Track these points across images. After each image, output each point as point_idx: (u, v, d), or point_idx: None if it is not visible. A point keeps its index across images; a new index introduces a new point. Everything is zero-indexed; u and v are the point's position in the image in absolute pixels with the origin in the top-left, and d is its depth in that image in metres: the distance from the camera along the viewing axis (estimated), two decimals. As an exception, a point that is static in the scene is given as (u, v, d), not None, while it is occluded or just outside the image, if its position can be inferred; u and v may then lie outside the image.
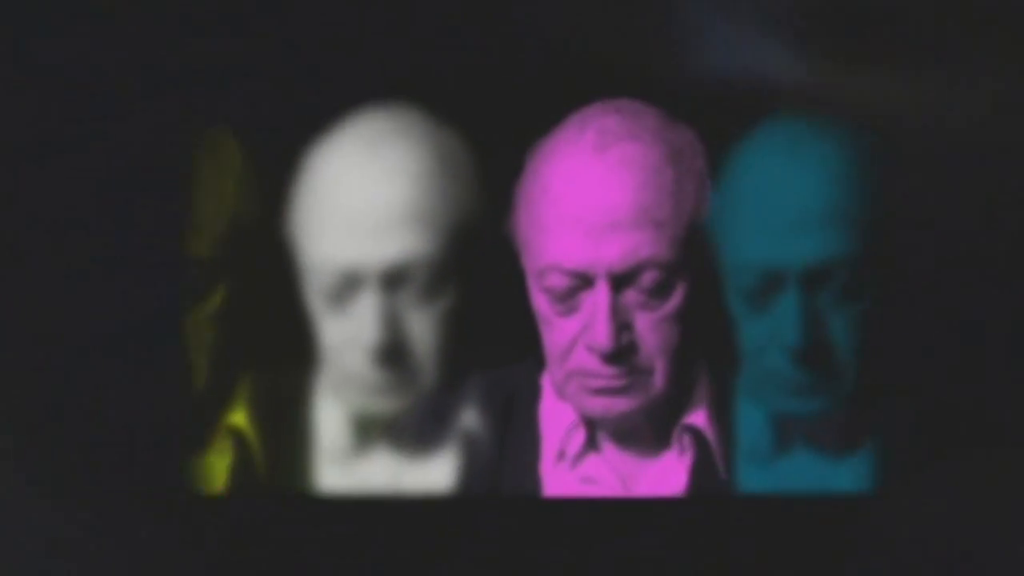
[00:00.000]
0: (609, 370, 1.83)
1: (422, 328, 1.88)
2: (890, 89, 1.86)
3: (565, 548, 1.89)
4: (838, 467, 1.87)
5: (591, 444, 1.91)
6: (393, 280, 1.86)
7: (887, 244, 1.80)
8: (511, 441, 1.94)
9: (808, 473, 1.87)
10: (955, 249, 1.85)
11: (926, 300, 1.84)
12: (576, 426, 1.91)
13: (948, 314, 1.85)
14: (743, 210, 1.82)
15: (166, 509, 1.92)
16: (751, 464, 1.87)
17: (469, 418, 1.95)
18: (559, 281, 1.82)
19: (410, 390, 1.90)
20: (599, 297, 1.80)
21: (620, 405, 1.84)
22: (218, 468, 1.99)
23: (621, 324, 1.81)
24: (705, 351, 1.89)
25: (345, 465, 1.97)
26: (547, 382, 1.93)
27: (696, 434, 1.89)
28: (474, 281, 1.90)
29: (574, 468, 1.91)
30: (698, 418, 1.89)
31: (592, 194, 1.81)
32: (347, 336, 1.88)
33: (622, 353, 1.82)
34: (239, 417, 1.99)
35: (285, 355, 1.96)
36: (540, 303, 1.86)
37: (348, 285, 1.87)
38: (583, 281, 1.82)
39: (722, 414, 1.89)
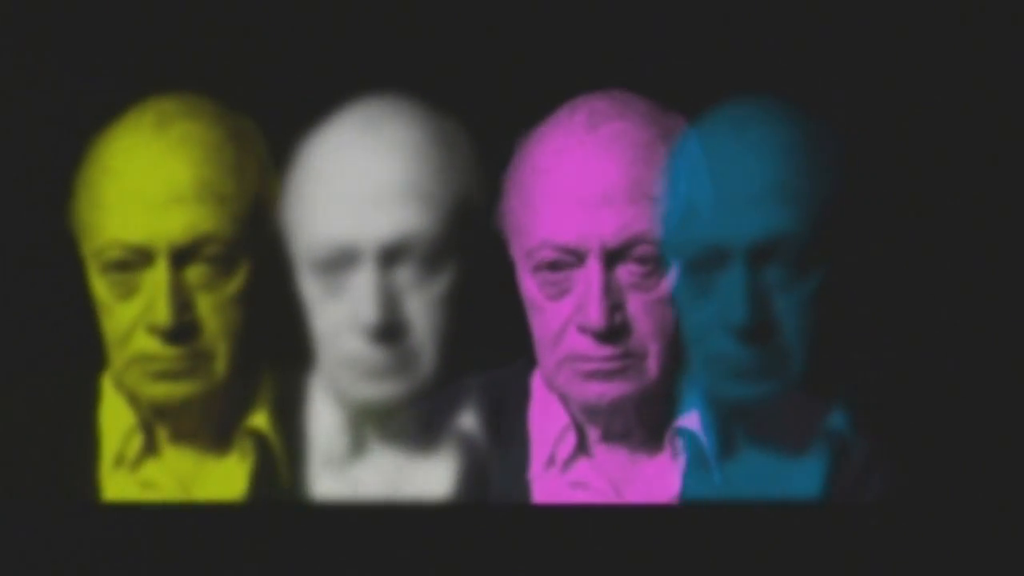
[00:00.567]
0: (602, 352, 1.76)
1: (420, 308, 1.84)
2: (841, 74, 1.88)
3: (556, 555, 1.82)
4: (791, 468, 1.80)
5: (582, 448, 1.85)
6: (390, 256, 1.83)
7: (835, 224, 1.76)
8: (500, 447, 1.88)
9: (759, 475, 1.81)
10: (907, 233, 1.83)
11: (875, 282, 1.81)
12: (567, 430, 1.84)
13: (898, 298, 1.83)
14: (691, 188, 1.78)
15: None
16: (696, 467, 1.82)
17: (459, 424, 1.90)
18: (550, 255, 1.76)
19: (409, 375, 1.85)
20: (591, 273, 1.75)
21: (614, 391, 1.77)
22: (237, 473, 1.95)
23: (614, 303, 1.76)
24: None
25: (340, 471, 1.92)
26: (536, 383, 1.88)
27: (689, 436, 1.82)
28: (473, 262, 1.87)
29: (564, 473, 1.84)
30: (691, 420, 1.81)
31: (585, 168, 1.77)
32: (343, 317, 1.84)
33: (615, 332, 1.76)
34: (260, 419, 1.95)
35: (306, 352, 1.94)
36: (530, 289, 1.81)
37: (345, 261, 1.83)
38: (575, 258, 1.76)
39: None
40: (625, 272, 1.77)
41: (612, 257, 1.76)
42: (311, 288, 1.88)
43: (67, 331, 1.98)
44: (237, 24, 2.01)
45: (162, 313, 1.86)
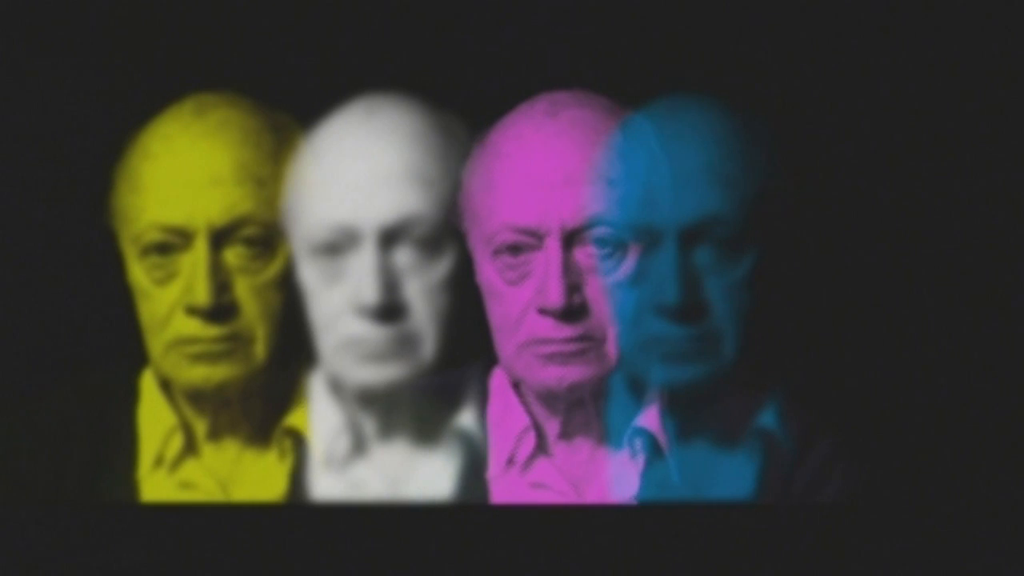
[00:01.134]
0: (562, 333, 1.78)
1: (420, 292, 1.88)
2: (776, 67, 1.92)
3: (516, 555, 1.82)
4: (723, 465, 1.81)
5: (541, 448, 1.86)
6: (390, 237, 1.87)
7: (767, 209, 1.79)
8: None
9: (692, 472, 1.81)
10: (838, 219, 1.85)
11: (807, 268, 1.84)
12: (527, 430, 1.86)
13: (834, 286, 1.85)
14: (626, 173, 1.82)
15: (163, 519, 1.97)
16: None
17: (458, 420, 1.92)
18: (510, 237, 1.79)
19: (410, 359, 1.89)
20: (551, 254, 1.77)
21: (573, 374, 1.79)
22: (277, 473, 1.99)
23: (572, 284, 1.78)
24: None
25: (340, 471, 1.96)
26: (495, 384, 1.89)
27: (647, 436, 1.83)
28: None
29: (524, 474, 1.85)
30: (649, 420, 1.81)
31: (544, 151, 1.80)
32: (344, 300, 1.89)
33: (574, 312, 1.78)
34: (299, 418, 1.99)
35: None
36: (489, 275, 1.83)
37: (345, 243, 1.88)
38: (535, 239, 1.78)
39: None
40: (583, 254, 1.79)
41: (571, 238, 1.78)
42: (310, 275, 1.92)
43: (106, 335, 2.03)
44: (238, 24, 2.06)
45: (201, 293, 1.89)
